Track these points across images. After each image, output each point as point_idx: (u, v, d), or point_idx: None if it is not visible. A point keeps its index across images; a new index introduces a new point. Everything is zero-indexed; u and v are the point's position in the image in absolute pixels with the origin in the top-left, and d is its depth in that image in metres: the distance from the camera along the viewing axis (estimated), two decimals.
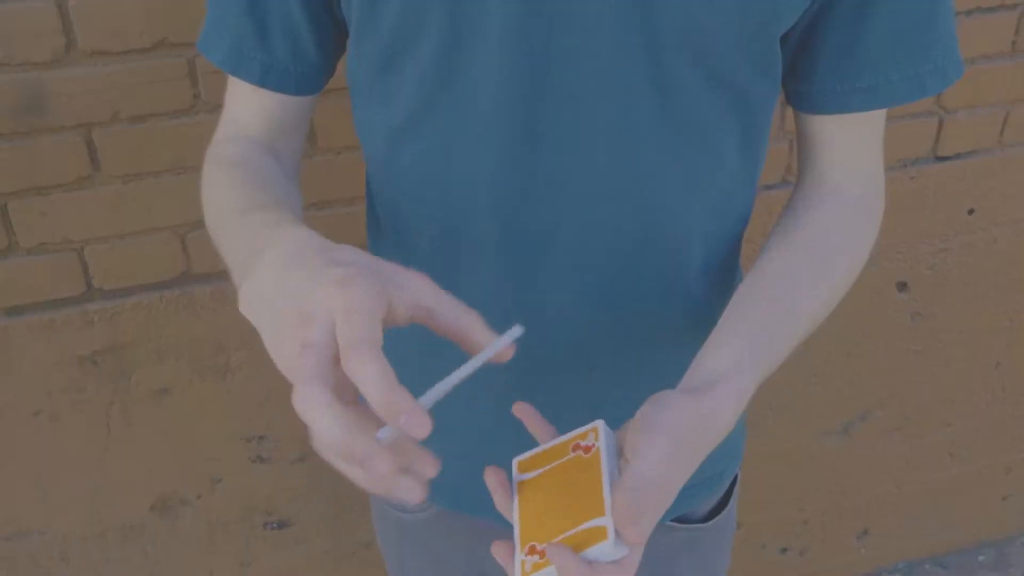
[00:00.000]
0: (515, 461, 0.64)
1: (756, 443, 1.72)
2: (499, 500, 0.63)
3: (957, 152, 1.54)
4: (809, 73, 0.74)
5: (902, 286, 1.65)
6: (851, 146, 0.78)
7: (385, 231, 0.82)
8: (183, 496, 1.44)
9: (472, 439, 0.86)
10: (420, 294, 0.54)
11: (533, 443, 0.86)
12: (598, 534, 0.55)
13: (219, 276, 1.29)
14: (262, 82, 0.75)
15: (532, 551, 0.57)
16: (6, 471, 1.34)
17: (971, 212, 1.61)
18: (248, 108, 0.78)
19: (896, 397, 1.79)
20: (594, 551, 0.55)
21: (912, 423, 1.84)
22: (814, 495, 1.87)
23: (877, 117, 0.77)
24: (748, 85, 0.71)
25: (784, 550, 1.92)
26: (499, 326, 0.78)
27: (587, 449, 0.59)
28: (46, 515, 1.40)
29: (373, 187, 0.82)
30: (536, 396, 0.82)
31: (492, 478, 0.63)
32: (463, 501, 0.90)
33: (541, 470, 0.61)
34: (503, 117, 0.69)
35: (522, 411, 0.66)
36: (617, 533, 0.55)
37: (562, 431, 0.88)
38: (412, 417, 0.48)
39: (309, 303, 0.50)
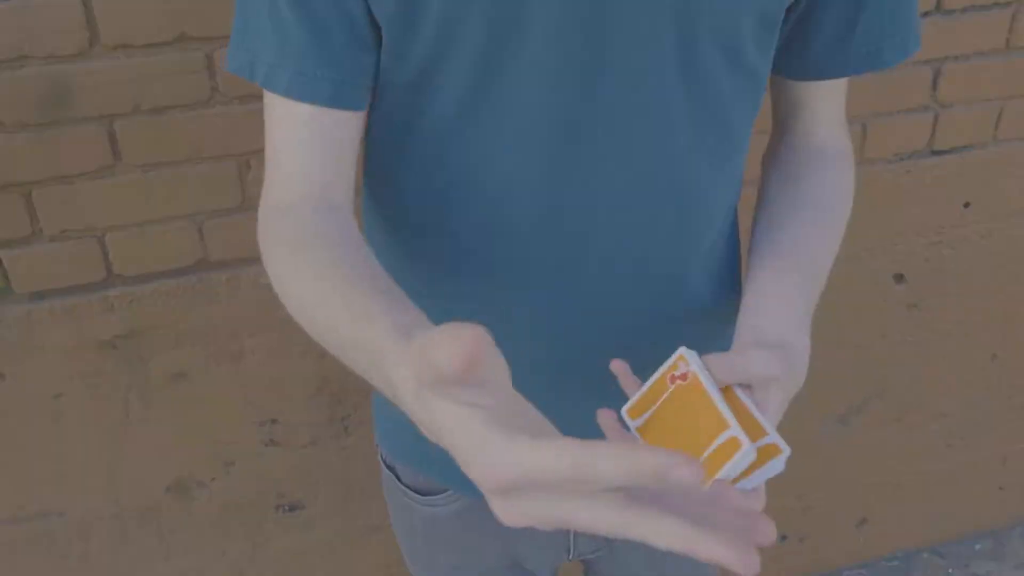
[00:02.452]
0: (624, 411, 0.65)
1: None
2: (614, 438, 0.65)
3: (953, 147, 1.57)
4: (807, 44, 0.80)
5: (899, 278, 1.68)
6: (831, 105, 0.86)
7: (414, 231, 0.81)
8: (198, 479, 1.49)
9: None
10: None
11: (565, 433, 0.88)
12: (731, 447, 0.56)
13: (235, 264, 1.33)
14: (333, 101, 0.70)
15: None
16: (27, 452, 1.38)
17: (967, 205, 1.64)
18: (302, 143, 0.71)
19: (893, 388, 1.82)
20: (734, 463, 0.55)
21: (909, 414, 1.87)
22: (813, 484, 1.90)
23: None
24: (757, 63, 0.77)
25: (784, 537, 1.95)
26: (537, 315, 0.80)
27: (684, 377, 0.61)
28: (65, 496, 1.44)
29: (406, 200, 0.80)
30: (573, 381, 0.85)
31: (604, 419, 0.66)
32: None
33: (650, 411, 0.62)
34: (546, 116, 0.72)
35: (618, 368, 0.70)
36: (748, 438, 0.56)
37: (584, 417, 0.91)
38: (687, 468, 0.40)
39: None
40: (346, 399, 1.49)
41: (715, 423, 0.58)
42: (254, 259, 1.34)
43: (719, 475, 0.56)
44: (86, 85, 1.16)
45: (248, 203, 1.29)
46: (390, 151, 0.79)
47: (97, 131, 1.19)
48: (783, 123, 0.88)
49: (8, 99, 1.14)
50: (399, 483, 0.99)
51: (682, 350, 0.64)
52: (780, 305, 0.72)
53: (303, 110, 0.70)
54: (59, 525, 1.46)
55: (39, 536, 1.46)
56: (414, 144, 0.77)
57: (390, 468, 1.00)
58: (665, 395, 0.62)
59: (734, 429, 0.57)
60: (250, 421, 1.46)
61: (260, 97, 1.27)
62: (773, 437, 0.60)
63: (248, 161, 1.26)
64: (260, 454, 1.49)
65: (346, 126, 0.72)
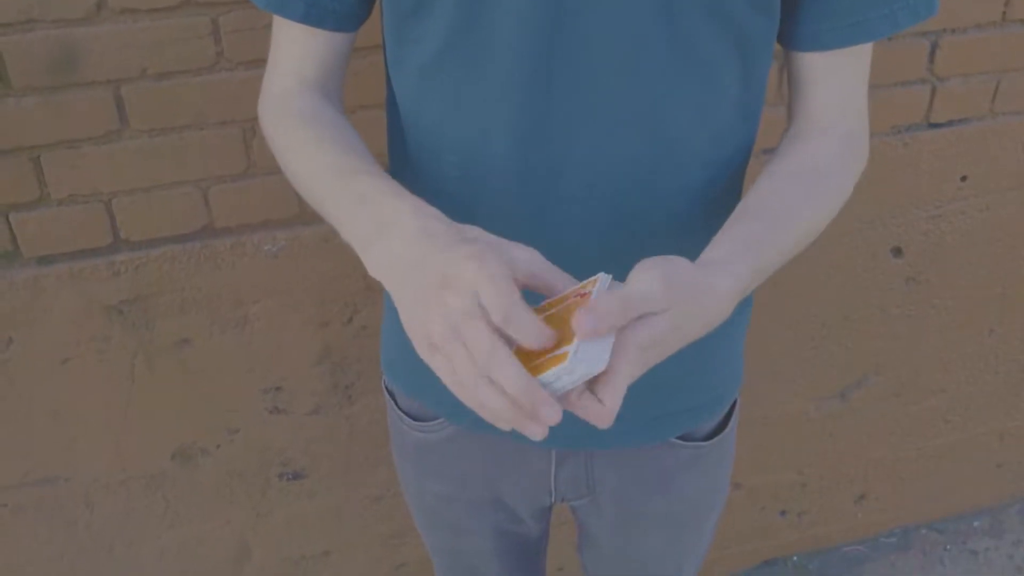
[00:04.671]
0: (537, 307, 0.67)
1: (754, 407, 1.78)
2: None
3: (950, 120, 1.59)
4: (794, 12, 0.80)
5: (897, 252, 1.70)
6: (839, 85, 0.84)
7: (412, 160, 0.87)
8: (202, 446, 1.50)
9: None
10: (531, 264, 0.63)
11: None
12: (559, 359, 0.59)
13: (240, 230, 1.35)
14: (305, 19, 0.82)
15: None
16: (34, 417, 1.40)
17: (964, 179, 1.66)
18: (296, 52, 0.85)
19: (892, 363, 1.84)
20: (548, 375, 0.59)
21: (908, 389, 1.89)
22: (812, 459, 1.92)
23: (863, 57, 0.83)
24: (749, 23, 0.77)
25: (783, 512, 1.97)
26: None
27: (584, 295, 0.62)
28: (72, 462, 1.46)
29: (404, 120, 0.87)
30: None
31: None
32: (478, 421, 0.96)
33: (546, 313, 0.65)
34: (522, 53, 0.75)
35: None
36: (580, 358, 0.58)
37: None
38: (550, 410, 0.58)
39: (451, 272, 0.60)
40: (349, 367, 1.51)
41: (568, 336, 0.60)
42: (259, 225, 1.35)
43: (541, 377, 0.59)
44: (93, 49, 1.18)
45: (253, 169, 1.31)
46: (394, 84, 0.84)
47: (104, 96, 1.21)
48: (793, 105, 0.87)
49: (17, 63, 1.16)
50: (396, 407, 1.03)
51: (600, 274, 0.65)
52: (726, 248, 0.72)
53: (292, 27, 0.83)
54: (65, 490, 1.47)
55: (45, 501, 1.47)
56: (407, 79, 0.82)
57: (390, 392, 1.04)
58: (560, 306, 0.64)
59: (572, 346, 0.59)
60: (254, 388, 1.48)
61: (265, 62, 1.29)
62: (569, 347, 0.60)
63: (253, 127, 1.28)
64: (264, 421, 1.51)
65: (329, 44, 0.84)
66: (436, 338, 0.60)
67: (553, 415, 0.58)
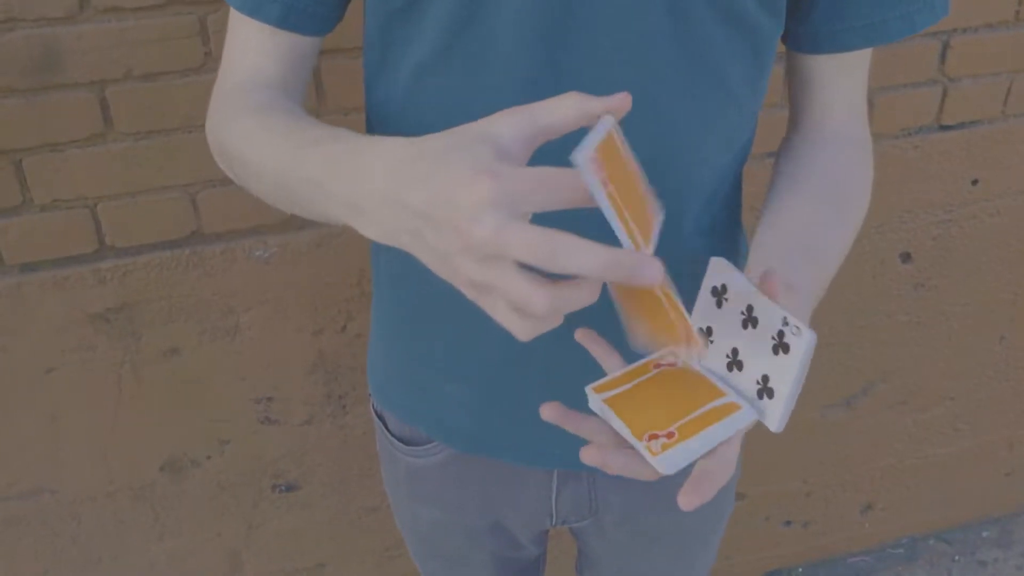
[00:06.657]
0: (589, 388, 0.63)
1: None
2: (572, 424, 0.62)
3: (961, 121, 1.55)
4: (808, 14, 0.76)
5: (905, 257, 1.66)
6: (846, 87, 0.81)
7: None
8: (193, 457, 1.46)
9: (484, 381, 0.87)
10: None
11: (541, 386, 0.87)
12: (730, 408, 0.57)
13: (229, 236, 1.31)
14: (282, 23, 0.74)
15: (653, 437, 0.58)
16: (19, 428, 1.36)
17: (975, 183, 1.61)
18: (259, 53, 0.76)
19: (899, 370, 1.80)
20: (733, 419, 0.56)
21: (915, 397, 1.85)
22: (817, 468, 1.88)
23: (866, 57, 0.81)
24: (757, 22, 0.74)
25: (788, 522, 1.93)
26: None
27: (671, 364, 0.61)
28: (57, 473, 1.42)
29: (388, 129, 0.81)
30: (547, 335, 0.83)
31: (551, 411, 0.62)
32: (476, 443, 0.91)
33: (626, 386, 0.61)
34: (525, 53, 0.70)
35: (585, 336, 0.66)
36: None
37: (577, 367, 0.90)
38: (648, 266, 0.48)
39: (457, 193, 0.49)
40: (343, 376, 1.47)
41: (708, 391, 0.59)
42: (250, 230, 1.31)
43: (710, 429, 0.57)
44: (76, 49, 1.14)
45: None
46: (378, 87, 0.79)
47: (88, 97, 1.17)
48: (796, 105, 0.84)
49: None
50: (386, 431, 0.98)
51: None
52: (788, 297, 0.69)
53: (257, 27, 0.75)
54: (51, 503, 1.43)
55: (31, 514, 1.43)
56: (395, 83, 0.77)
57: (379, 416, 0.99)
58: (646, 376, 0.61)
59: (732, 397, 0.58)
60: (245, 398, 1.44)
61: None
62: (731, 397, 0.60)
63: None
64: (256, 432, 1.47)
65: (296, 48, 0.76)
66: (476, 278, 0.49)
67: (656, 271, 0.47)
